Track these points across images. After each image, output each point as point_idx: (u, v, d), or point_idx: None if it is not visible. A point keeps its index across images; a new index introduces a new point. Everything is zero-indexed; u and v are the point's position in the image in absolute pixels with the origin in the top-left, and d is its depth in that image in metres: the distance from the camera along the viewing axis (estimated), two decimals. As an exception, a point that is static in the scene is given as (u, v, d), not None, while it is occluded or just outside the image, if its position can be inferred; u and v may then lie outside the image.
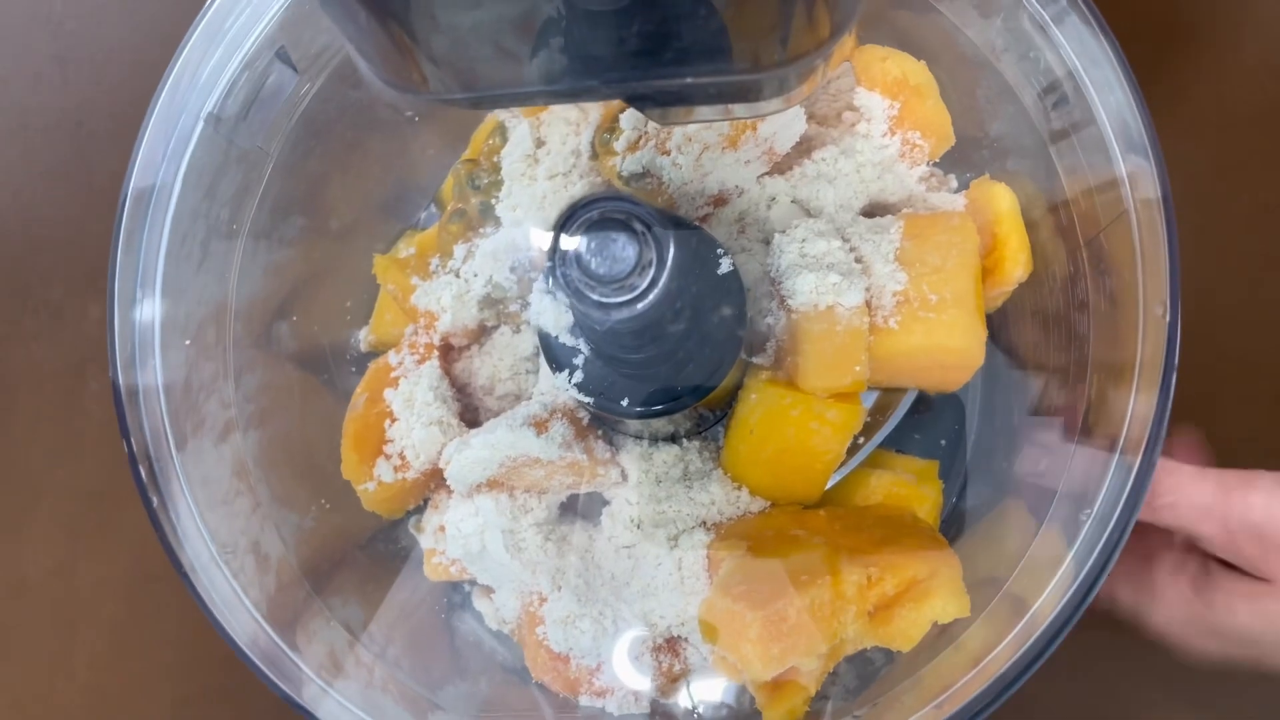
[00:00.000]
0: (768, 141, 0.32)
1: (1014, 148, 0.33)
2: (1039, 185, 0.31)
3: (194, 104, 0.30)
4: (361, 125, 0.35)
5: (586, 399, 0.29)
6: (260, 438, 0.32)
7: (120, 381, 0.29)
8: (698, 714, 0.31)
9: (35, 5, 0.44)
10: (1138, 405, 0.27)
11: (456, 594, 0.35)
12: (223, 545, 0.29)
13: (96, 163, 0.43)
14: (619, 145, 0.32)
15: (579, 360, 0.30)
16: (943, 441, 0.36)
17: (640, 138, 0.32)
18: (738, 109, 0.23)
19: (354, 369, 0.37)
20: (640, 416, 0.29)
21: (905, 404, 0.34)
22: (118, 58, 0.43)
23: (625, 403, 0.29)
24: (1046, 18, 0.29)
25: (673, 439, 0.33)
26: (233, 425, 0.31)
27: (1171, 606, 0.29)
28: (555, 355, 0.30)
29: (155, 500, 0.28)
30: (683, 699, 0.32)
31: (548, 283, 0.29)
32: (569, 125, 0.33)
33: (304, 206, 0.34)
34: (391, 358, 0.34)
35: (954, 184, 0.35)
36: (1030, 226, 0.32)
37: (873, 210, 0.33)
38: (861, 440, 0.33)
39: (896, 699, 0.29)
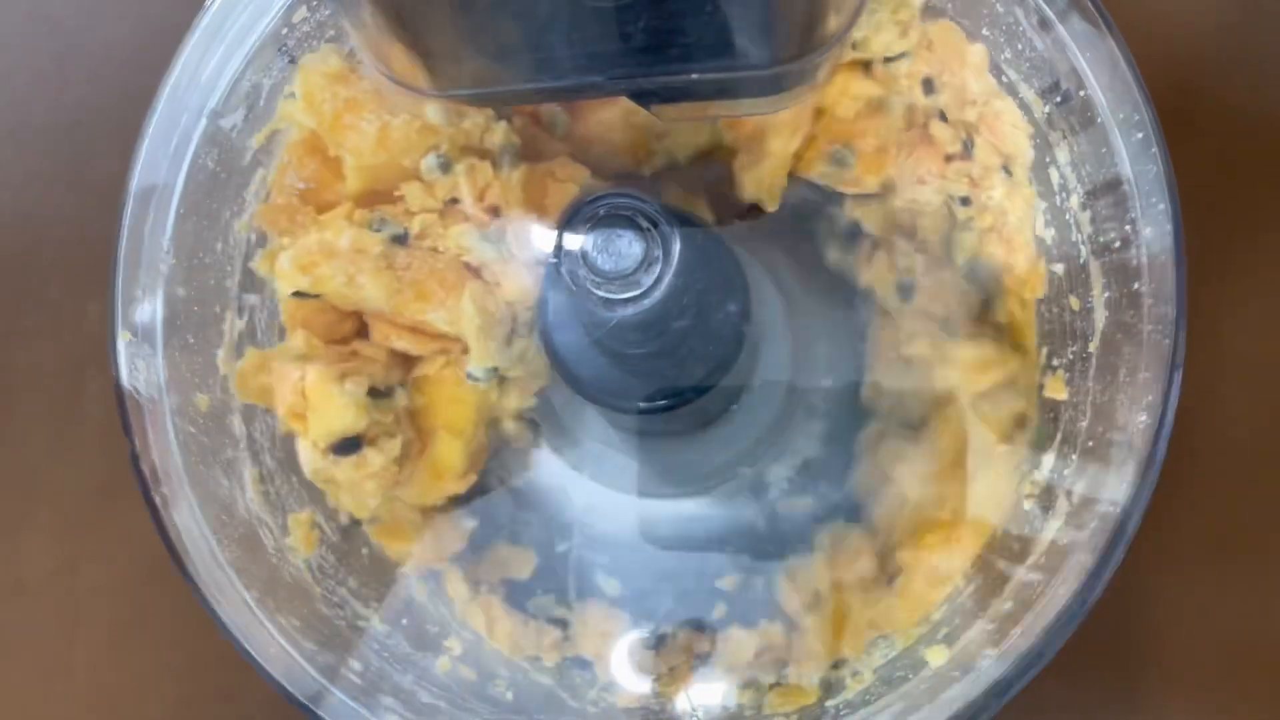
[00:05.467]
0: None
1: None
2: (1039, 186, 0.32)
3: (195, 102, 0.30)
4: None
5: None
6: (264, 435, 0.32)
7: (123, 381, 0.29)
8: (697, 718, 0.31)
9: (34, 4, 0.44)
10: (1141, 407, 0.27)
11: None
12: (227, 545, 0.29)
13: (96, 162, 0.43)
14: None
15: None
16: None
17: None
18: (743, 106, 0.23)
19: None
20: (644, 413, 0.29)
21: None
22: (117, 56, 0.43)
23: (629, 399, 0.29)
24: (1050, 15, 0.29)
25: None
26: (237, 424, 0.31)
27: None
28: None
29: (158, 499, 0.28)
30: (681, 702, 0.32)
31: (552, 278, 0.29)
32: None
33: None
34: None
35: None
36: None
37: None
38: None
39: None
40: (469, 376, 0.31)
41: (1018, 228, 0.31)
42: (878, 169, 0.32)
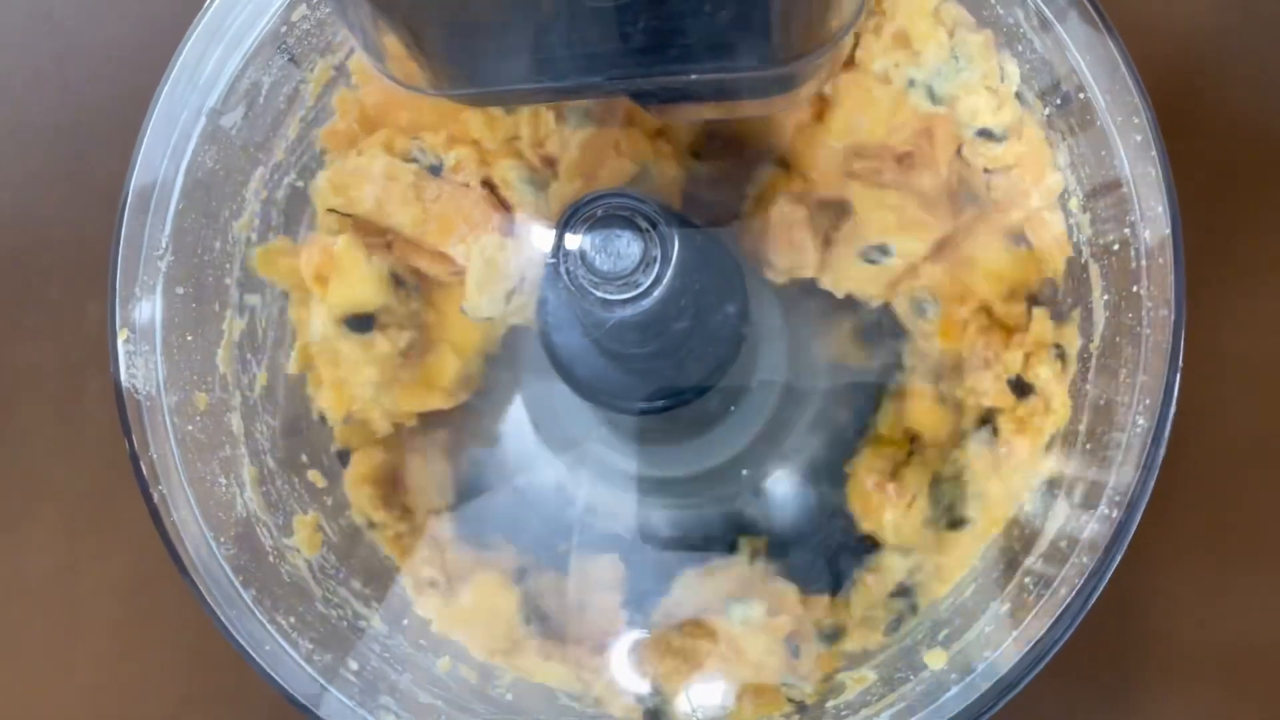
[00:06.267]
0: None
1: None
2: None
3: (195, 101, 0.30)
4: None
5: None
6: (265, 435, 0.32)
7: (122, 380, 0.29)
8: (697, 718, 0.31)
9: (34, 4, 0.44)
10: (1140, 408, 0.27)
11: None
12: (225, 544, 0.29)
13: (96, 161, 0.43)
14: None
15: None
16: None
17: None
18: (743, 106, 0.23)
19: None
20: (643, 414, 0.30)
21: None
22: (117, 56, 0.43)
23: (628, 399, 0.29)
24: (1050, 16, 0.29)
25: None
26: (236, 423, 0.31)
27: None
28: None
29: (157, 498, 0.28)
30: (681, 702, 0.32)
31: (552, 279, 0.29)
32: None
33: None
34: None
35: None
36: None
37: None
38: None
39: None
40: (461, 310, 0.32)
41: (1046, 415, 0.31)
42: (954, 338, 0.32)
